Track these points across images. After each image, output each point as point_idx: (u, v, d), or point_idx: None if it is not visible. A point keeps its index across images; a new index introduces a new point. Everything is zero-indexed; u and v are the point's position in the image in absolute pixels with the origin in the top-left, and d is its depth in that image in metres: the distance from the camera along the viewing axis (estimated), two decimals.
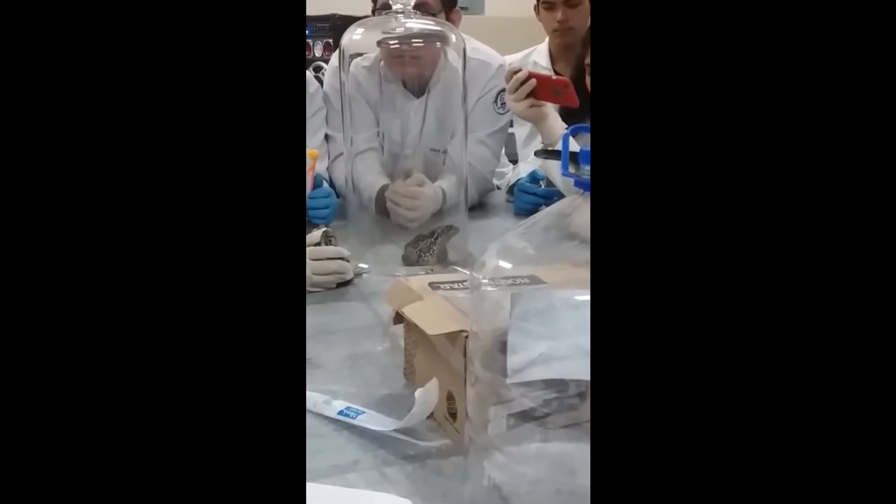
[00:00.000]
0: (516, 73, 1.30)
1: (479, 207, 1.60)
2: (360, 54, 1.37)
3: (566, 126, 1.22)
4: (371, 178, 1.37)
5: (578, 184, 0.48)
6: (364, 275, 1.13)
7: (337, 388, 0.74)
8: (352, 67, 1.30)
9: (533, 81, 1.28)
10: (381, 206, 1.33)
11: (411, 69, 1.40)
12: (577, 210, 0.49)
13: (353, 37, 1.22)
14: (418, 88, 1.45)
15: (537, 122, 1.33)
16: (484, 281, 0.52)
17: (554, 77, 1.32)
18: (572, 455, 0.48)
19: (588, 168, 0.47)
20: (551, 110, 1.33)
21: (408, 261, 1.17)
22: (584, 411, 0.47)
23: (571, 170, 0.49)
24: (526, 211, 1.48)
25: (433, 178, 1.34)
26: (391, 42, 1.27)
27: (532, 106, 1.30)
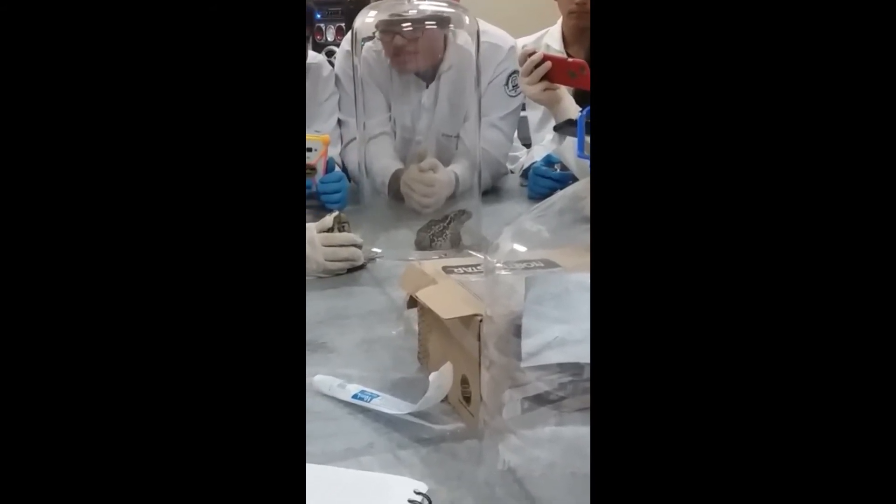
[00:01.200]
0: (530, 55, 1.28)
1: (492, 192, 1.59)
2: (372, 37, 1.36)
3: (581, 109, 1.21)
4: (384, 162, 1.36)
5: None
6: (377, 259, 1.13)
7: (351, 371, 0.74)
8: (363, 51, 1.29)
9: (548, 64, 1.27)
10: (395, 191, 1.33)
11: (412, 64, 1.36)
12: None
13: (366, 20, 1.21)
14: (430, 74, 1.44)
15: (551, 105, 1.32)
16: (498, 265, 0.52)
17: (570, 59, 1.31)
18: (587, 438, 0.48)
19: None
20: (565, 93, 1.31)
21: (420, 245, 1.17)
22: None
23: (587, 152, 0.48)
24: (541, 195, 1.46)
25: (446, 163, 1.34)
26: (390, 29, 1.25)
27: (546, 89, 1.29)
